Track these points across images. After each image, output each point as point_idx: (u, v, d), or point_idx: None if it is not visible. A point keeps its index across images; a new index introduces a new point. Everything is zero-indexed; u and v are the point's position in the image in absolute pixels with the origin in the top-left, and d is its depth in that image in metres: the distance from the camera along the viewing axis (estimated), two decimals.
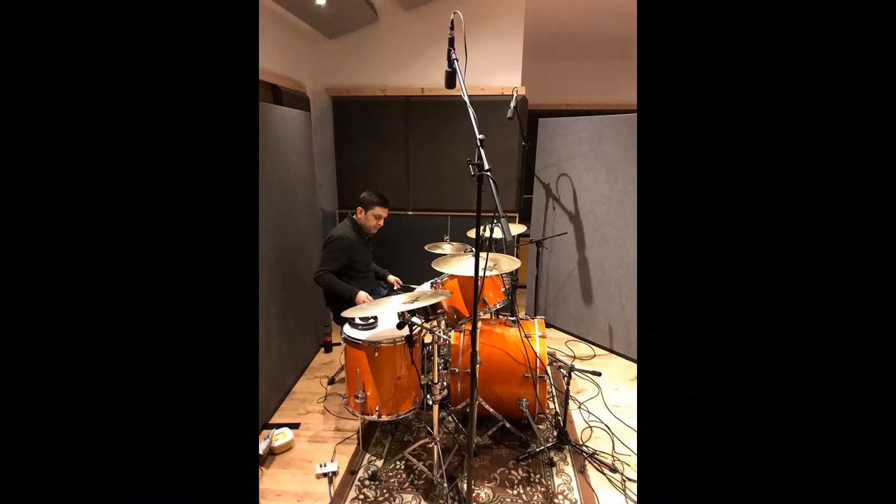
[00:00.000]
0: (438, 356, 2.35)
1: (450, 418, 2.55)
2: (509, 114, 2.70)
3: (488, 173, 1.40)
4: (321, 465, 2.19)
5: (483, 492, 2.06)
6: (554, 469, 2.21)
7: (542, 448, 2.31)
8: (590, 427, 2.55)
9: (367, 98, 3.87)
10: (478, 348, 1.80)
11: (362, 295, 2.60)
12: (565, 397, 2.37)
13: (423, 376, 2.30)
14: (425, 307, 2.14)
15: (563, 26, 4.26)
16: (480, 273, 1.52)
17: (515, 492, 2.07)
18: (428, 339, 2.21)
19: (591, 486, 2.11)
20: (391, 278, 3.03)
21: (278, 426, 2.43)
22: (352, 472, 2.19)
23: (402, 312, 1.93)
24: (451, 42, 1.48)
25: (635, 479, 2.14)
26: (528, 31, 3.80)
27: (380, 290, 2.94)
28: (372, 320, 2.30)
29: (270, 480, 2.15)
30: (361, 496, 2.04)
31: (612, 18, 4.01)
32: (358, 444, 2.37)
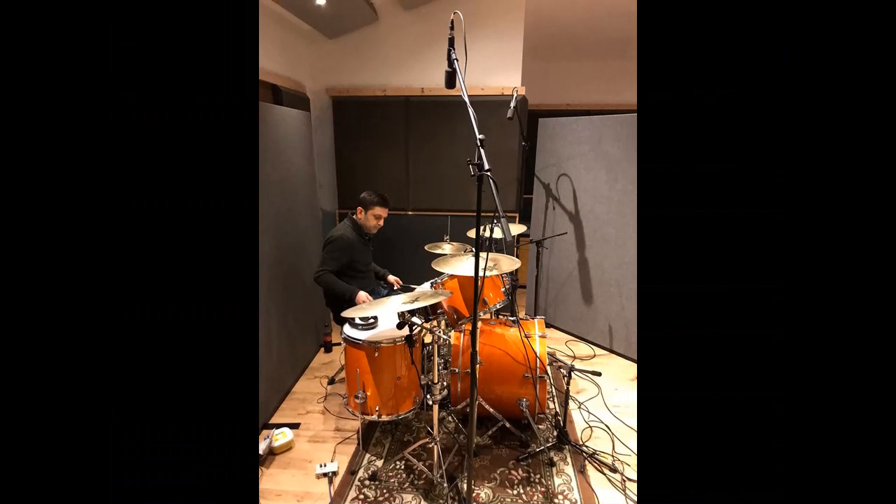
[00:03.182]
0: (438, 356, 2.35)
1: (450, 418, 2.55)
2: (509, 114, 2.70)
3: (488, 173, 1.40)
4: (321, 465, 2.19)
5: (483, 492, 2.06)
6: (554, 469, 2.21)
7: (542, 448, 2.31)
8: (590, 427, 2.55)
9: (367, 98, 3.87)
10: (478, 348, 1.80)
11: (362, 295, 2.60)
12: (565, 397, 2.37)
13: (423, 376, 2.30)
14: (425, 307, 2.14)
15: (563, 26, 4.26)
16: (480, 273, 1.52)
17: (515, 492, 2.07)
18: (428, 339, 2.21)
19: (591, 486, 2.11)
20: (391, 278, 3.03)
21: (278, 426, 2.43)
22: (352, 472, 2.19)
23: (402, 312, 1.93)
24: (451, 42, 1.48)
25: (635, 479, 2.14)
26: (528, 31, 3.80)
27: (380, 290, 2.94)
28: (372, 320, 2.30)
29: (270, 480, 2.15)
30: (361, 496, 2.04)
31: (612, 18, 4.01)
32: (358, 444, 2.37)
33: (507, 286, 2.37)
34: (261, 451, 2.24)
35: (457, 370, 2.41)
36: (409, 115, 3.85)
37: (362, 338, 2.18)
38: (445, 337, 2.49)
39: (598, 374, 2.52)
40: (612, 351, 3.43)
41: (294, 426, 2.52)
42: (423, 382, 2.27)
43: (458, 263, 2.17)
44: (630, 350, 3.31)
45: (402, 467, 2.22)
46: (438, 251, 2.98)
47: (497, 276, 2.32)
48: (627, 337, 3.31)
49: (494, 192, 1.42)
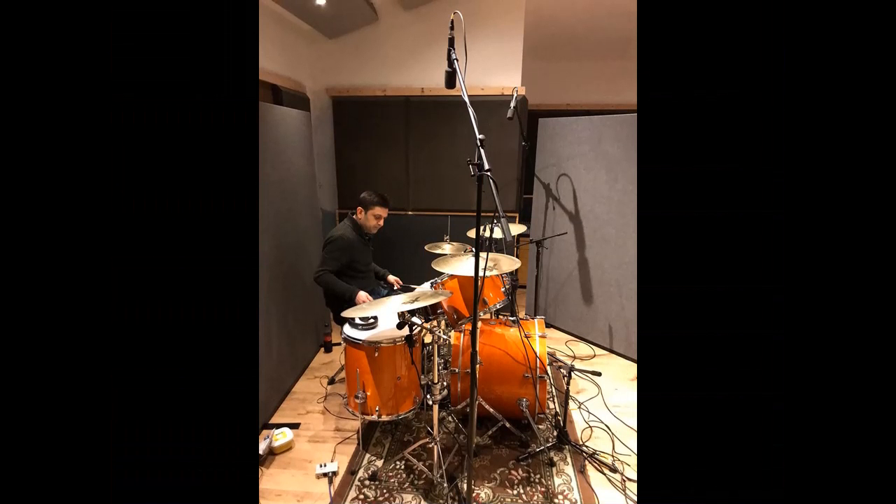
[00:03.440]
0: (438, 356, 2.35)
1: (450, 418, 2.55)
2: (509, 114, 2.70)
3: (488, 173, 1.40)
4: (321, 465, 2.19)
5: (483, 492, 2.06)
6: (554, 469, 2.21)
7: (542, 448, 2.31)
8: (590, 427, 2.55)
9: (367, 98, 3.87)
10: (478, 348, 1.80)
11: (362, 295, 2.60)
12: (565, 397, 2.37)
13: (423, 376, 2.30)
14: (425, 307, 2.14)
15: (563, 26, 4.26)
16: (480, 273, 1.52)
17: (515, 492, 2.07)
18: (428, 339, 2.21)
19: (591, 486, 2.11)
20: (391, 278, 3.03)
21: (278, 426, 2.43)
22: (352, 472, 2.19)
23: (402, 312, 1.93)
24: (451, 42, 1.48)
25: (635, 479, 2.14)
26: (528, 31, 3.80)
27: (380, 290, 2.94)
28: (372, 320, 2.30)
29: (270, 480, 2.15)
30: (361, 496, 2.04)
31: (612, 18, 4.01)
32: (358, 444, 2.37)
33: (507, 286, 2.37)
34: (261, 451, 2.24)
35: (457, 370, 2.41)
36: (409, 115, 3.85)
37: (362, 338, 2.18)
38: (445, 337, 2.49)
39: (598, 374, 2.52)
40: (612, 351, 3.43)
41: (294, 426, 2.52)
42: (423, 382, 2.27)
43: (458, 263, 2.17)
44: (630, 350, 3.31)
45: (402, 467, 2.22)
46: (438, 251, 2.98)
47: (497, 276, 2.32)
48: (627, 337, 3.31)
49: (494, 192, 1.42)
